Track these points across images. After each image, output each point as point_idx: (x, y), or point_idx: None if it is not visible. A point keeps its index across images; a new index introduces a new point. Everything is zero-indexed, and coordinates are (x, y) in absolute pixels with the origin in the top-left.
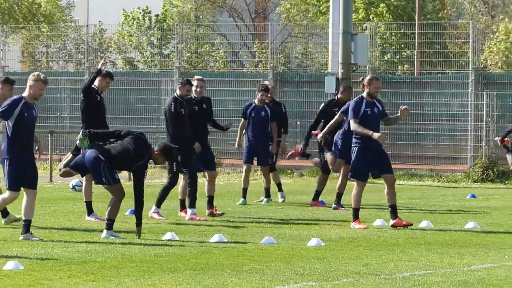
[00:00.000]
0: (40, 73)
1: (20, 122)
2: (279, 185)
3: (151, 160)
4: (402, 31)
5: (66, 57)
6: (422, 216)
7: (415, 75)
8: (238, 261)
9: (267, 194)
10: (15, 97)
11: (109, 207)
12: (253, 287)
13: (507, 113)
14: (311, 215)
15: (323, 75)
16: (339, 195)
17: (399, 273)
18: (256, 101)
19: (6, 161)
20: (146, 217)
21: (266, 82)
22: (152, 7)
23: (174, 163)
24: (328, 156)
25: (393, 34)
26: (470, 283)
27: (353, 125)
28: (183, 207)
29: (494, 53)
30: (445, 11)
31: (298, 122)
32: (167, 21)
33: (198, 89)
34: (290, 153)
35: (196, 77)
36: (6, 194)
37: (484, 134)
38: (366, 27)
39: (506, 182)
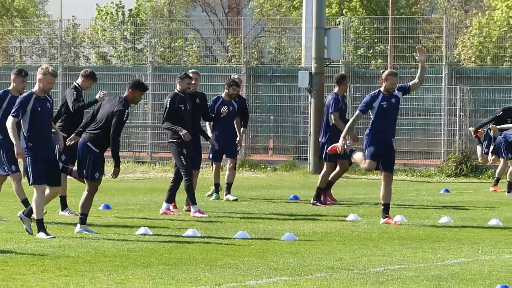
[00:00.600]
0: (49, 66)
1: (33, 118)
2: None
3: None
4: (375, 25)
5: (40, 51)
6: (395, 211)
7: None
8: (212, 256)
9: (216, 189)
10: (25, 94)
11: (82, 202)
12: (226, 282)
13: (480, 108)
14: (285, 209)
15: (297, 70)
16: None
17: (372, 268)
18: (223, 95)
19: (28, 158)
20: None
21: (235, 76)
22: (125, 2)
23: (181, 156)
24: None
25: (366, 28)
26: (443, 277)
27: (353, 116)
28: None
29: (468, 48)
30: (418, 5)
31: (272, 117)
32: (140, 16)
33: (192, 82)
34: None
35: (191, 70)
36: (35, 194)
37: (457, 128)
38: (340, 21)
39: (480, 176)
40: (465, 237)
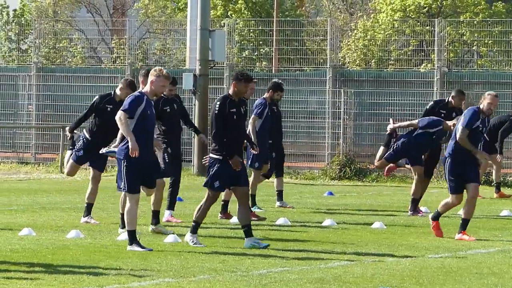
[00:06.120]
0: (162, 68)
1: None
2: None
3: None
4: (260, 27)
5: None
6: (279, 214)
7: (273, 72)
8: (95, 257)
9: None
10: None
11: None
12: (109, 283)
13: (364, 111)
14: None
15: (181, 72)
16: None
17: (255, 270)
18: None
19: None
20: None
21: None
22: (10, 2)
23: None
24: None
25: (251, 30)
26: (326, 280)
27: (463, 134)
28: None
29: (352, 51)
30: (303, 8)
31: None
32: (25, 16)
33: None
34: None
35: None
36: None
37: (341, 131)
38: (224, 23)
39: (363, 179)
40: (348, 239)
